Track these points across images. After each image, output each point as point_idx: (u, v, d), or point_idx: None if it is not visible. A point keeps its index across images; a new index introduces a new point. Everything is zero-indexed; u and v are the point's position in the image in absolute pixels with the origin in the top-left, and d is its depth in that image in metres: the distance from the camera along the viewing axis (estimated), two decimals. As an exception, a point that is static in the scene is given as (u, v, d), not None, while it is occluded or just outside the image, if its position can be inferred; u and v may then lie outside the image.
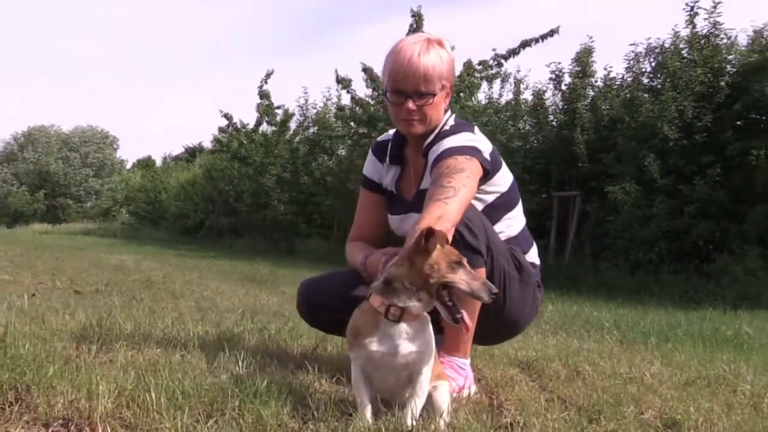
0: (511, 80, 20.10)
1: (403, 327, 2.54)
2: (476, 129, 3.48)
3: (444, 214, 2.94)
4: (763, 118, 15.05)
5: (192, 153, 51.79)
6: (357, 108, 21.08)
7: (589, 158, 16.61)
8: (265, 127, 26.82)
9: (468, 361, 3.37)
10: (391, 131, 3.71)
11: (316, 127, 26.29)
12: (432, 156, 3.34)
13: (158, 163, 57.21)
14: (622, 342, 5.64)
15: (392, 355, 2.55)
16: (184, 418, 2.41)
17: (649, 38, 16.90)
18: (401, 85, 3.35)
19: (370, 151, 3.81)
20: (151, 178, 42.41)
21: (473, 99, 20.36)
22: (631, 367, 4.16)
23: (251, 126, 27.10)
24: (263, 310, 6.54)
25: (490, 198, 3.42)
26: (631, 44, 17.21)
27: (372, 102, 21.34)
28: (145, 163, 56.85)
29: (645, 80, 16.73)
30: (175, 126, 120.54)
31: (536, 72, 53.16)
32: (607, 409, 2.91)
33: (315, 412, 2.55)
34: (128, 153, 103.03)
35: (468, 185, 3.13)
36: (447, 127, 3.43)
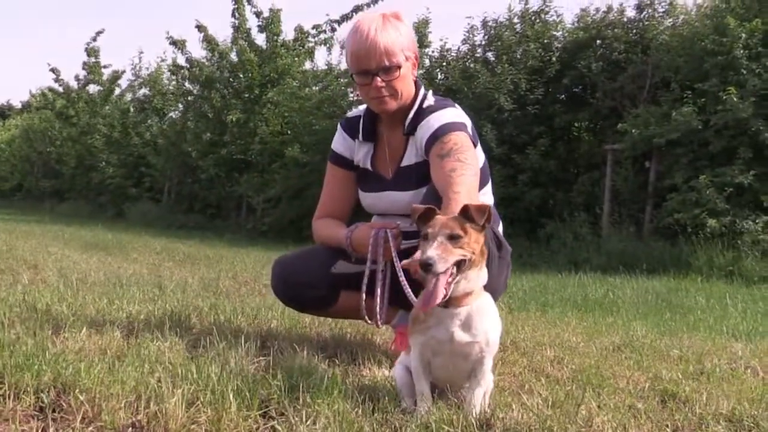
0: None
1: (455, 312, 2.37)
2: (456, 104, 3.37)
3: (470, 190, 2.89)
4: (588, 92, 15.68)
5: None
6: (194, 68, 20.38)
7: (426, 126, 16.68)
8: (92, 86, 25.49)
9: None
10: (362, 107, 3.56)
11: (148, 88, 25.24)
12: (426, 132, 3.22)
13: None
14: (511, 309, 5.69)
15: (448, 342, 2.39)
16: (258, 419, 2.13)
17: (485, 12, 17.23)
18: (365, 64, 3.24)
19: (339, 126, 3.64)
20: (-42, 138, 39.41)
21: (312, 63, 20.24)
22: (554, 336, 4.16)
23: (79, 84, 25.70)
24: (145, 282, 6.14)
25: None
26: (467, 17, 17.49)
27: (207, 63, 20.73)
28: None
29: (479, 52, 17.01)
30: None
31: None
32: (605, 384, 2.85)
33: (377, 404, 2.34)
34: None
35: (476, 162, 3.11)
36: (431, 102, 3.34)
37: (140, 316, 3.84)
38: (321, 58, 21.38)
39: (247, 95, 20.17)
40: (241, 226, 19.83)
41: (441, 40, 18.20)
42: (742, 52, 12.51)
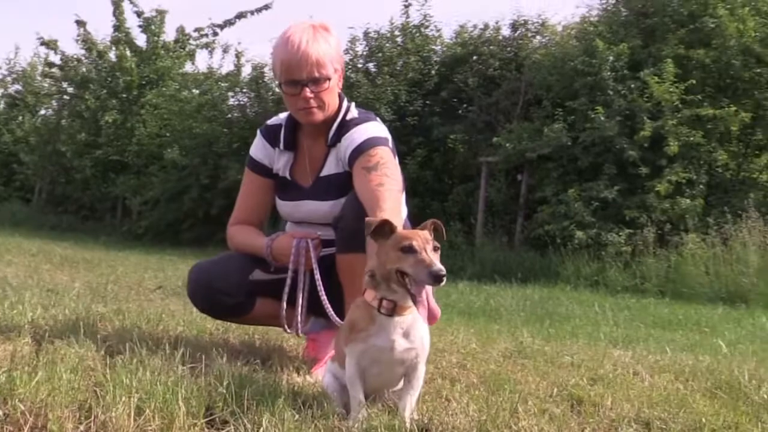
0: (233, 52, 19.89)
1: (398, 321, 2.43)
2: (377, 118, 3.44)
3: (396, 205, 2.97)
4: (464, 106, 16.08)
5: None
6: (68, 68, 19.76)
7: (306, 134, 16.68)
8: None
9: None
10: (282, 115, 3.56)
11: (21, 84, 24.24)
12: (350, 144, 3.27)
13: None
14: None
15: (389, 350, 2.44)
16: (204, 427, 2.13)
17: (368, 23, 17.41)
18: (295, 74, 3.25)
19: (258, 133, 3.62)
20: None
21: (194, 66, 20.00)
22: (450, 343, 4.30)
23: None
24: (27, 285, 5.94)
25: None
26: (349, 27, 17.61)
27: (84, 62, 20.16)
28: None
29: (361, 63, 17.16)
30: None
31: (260, 46, 52.29)
32: (515, 389, 2.97)
33: (315, 411, 2.36)
34: None
35: (400, 177, 3.20)
36: (355, 115, 3.39)
37: (41, 321, 3.74)
38: (202, 62, 21.11)
39: (124, 96, 19.70)
40: (116, 229, 19.32)
41: (322, 49, 18.20)
42: (609, 74, 13.14)
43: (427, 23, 16.59)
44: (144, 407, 2.19)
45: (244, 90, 18.44)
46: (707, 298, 10.31)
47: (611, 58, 13.16)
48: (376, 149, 3.20)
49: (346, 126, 3.35)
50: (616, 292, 10.75)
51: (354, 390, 2.47)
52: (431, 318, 2.39)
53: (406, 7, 16.50)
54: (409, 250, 2.38)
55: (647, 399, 3.00)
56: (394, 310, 2.45)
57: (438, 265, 2.33)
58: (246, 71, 19.02)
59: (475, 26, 16.45)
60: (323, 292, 3.06)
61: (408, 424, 2.33)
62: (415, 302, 2.40)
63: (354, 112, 3.42)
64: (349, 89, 15.98)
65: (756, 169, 13.90)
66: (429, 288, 2.40)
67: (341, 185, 3.31)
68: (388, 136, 3.38)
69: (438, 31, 16.70)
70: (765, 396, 3.19)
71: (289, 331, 3.35)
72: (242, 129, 17.43)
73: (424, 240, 2.40)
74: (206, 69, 20.22)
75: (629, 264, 11.81)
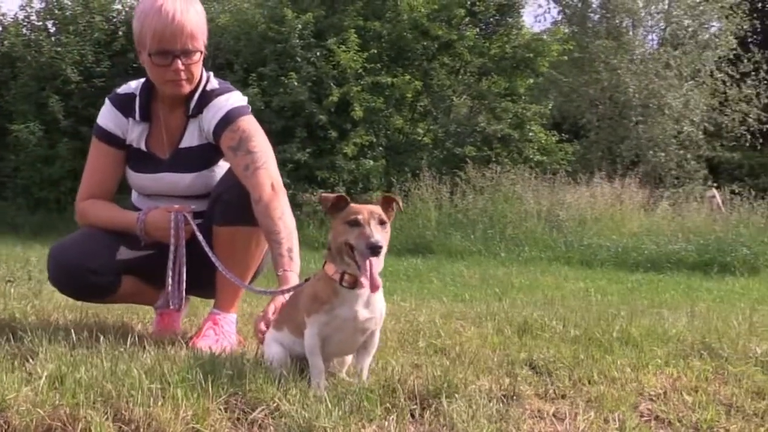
0: None
1: (359, 293, 2.45)
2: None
3: (274, 180, 2.98)
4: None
5: None
6: None
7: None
8: None
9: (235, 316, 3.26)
10: (132, 84, 3.27)
11: None
12: (214, 114, 3.17)
13: None
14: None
15: (351, 320, 2.46)
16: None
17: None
18: (168, 45, 3.03)
19: (107, 102, 3.29)
20: None
21: None
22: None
23: None
24: None
25: None
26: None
27: None
28: None
29: (37, 20, 15.94)
30: None
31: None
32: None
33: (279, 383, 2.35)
34: None
35: (267, 143, 3.17)
36: (215, 86, 3.22)
37: None
38: None
39: None
40: None
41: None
42: (297, 41, 13.53)
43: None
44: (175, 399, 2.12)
45: None
46: (398, 251, 11.13)
47: (299, 26, 13.55)
48: (238, 122, 3.14)
49: (207, 97, 3.21)
50: (315, 249, 11.23)
51: (314, 359, 2.49)
52: (373, 287, 2.47)
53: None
54: (355, 223, 2.41)
55: (492, 344, 3.21)
56: (356, 283, 2.46)
57: (375, 237, 2.37)
58: None
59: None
60: (218, 261, 2.97)
61: (366, 384, 2.44)
62: (360, 272, 2.41)
63: (214, 83, 3.25)
64: (28, 47, 14.92)
65: (421, 132, 15.17)
66: (375, 260, 2.40)
67: (203, 157, 3.22)
68: (247, 102, 3.30)
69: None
70: (572, 332, 3.50)
71: (171, 307, 3.19)
72: None
73: (369, 213, 2.43)
74: None
75: (324, 221, 12.42)
